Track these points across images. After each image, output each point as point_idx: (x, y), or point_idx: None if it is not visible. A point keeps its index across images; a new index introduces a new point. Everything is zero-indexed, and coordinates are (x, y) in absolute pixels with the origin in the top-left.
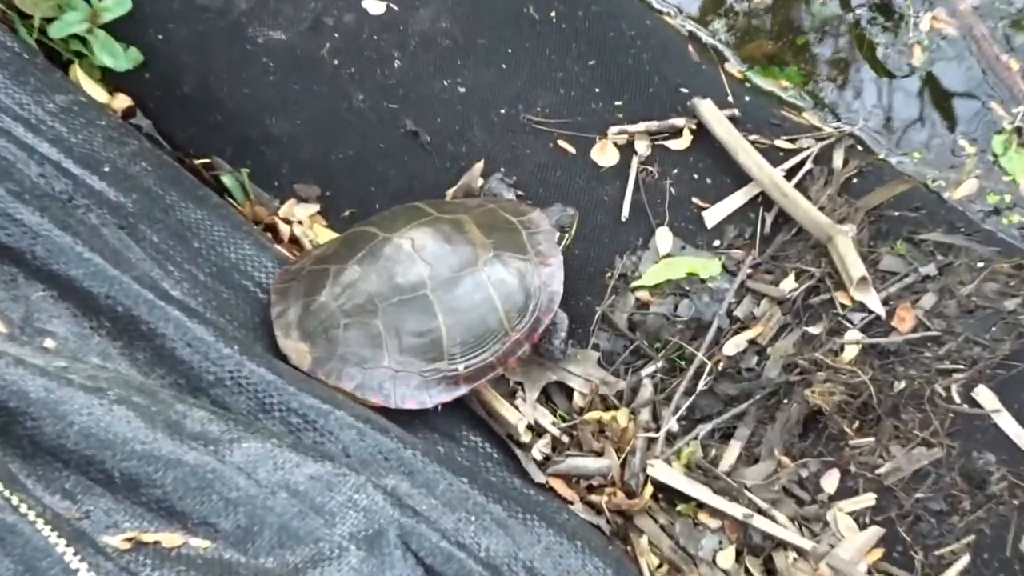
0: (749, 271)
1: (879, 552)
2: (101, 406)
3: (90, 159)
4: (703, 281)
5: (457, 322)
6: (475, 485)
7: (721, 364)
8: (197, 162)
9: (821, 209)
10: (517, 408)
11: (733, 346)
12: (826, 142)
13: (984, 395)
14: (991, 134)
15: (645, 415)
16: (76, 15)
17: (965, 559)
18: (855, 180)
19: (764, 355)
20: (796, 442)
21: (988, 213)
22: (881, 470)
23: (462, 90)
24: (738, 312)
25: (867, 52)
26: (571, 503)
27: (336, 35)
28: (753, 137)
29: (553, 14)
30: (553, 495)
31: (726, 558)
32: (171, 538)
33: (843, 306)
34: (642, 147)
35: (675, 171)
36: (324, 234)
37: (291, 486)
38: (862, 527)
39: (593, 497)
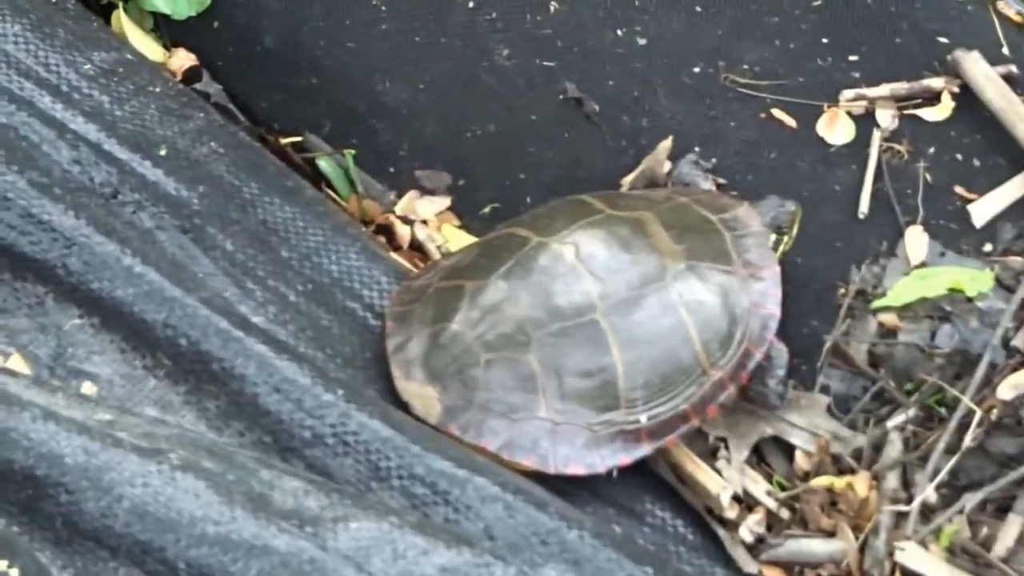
0: None
1: None
2: (160, 474)
3: (140, 139)
4: (970, 299)
5: (638, 357)
6: None
7: (995, 412)
8: (285, 141)
9: None
10: (719, 472)
11: (1011, 388)
12: None
13: None
14: None
15: (892, 481)
16: None
17: None
18: None
19: None
20: None
21: None
22: None
23: (642, 42)
24: (1018, 342)
25: None
26: None
27: None
28: None
29: None
30: None
31: None
32: None
33: None
34: (886, 118)
35: (931, 150)
36: (457, 238)
37: None
38: None
39: None
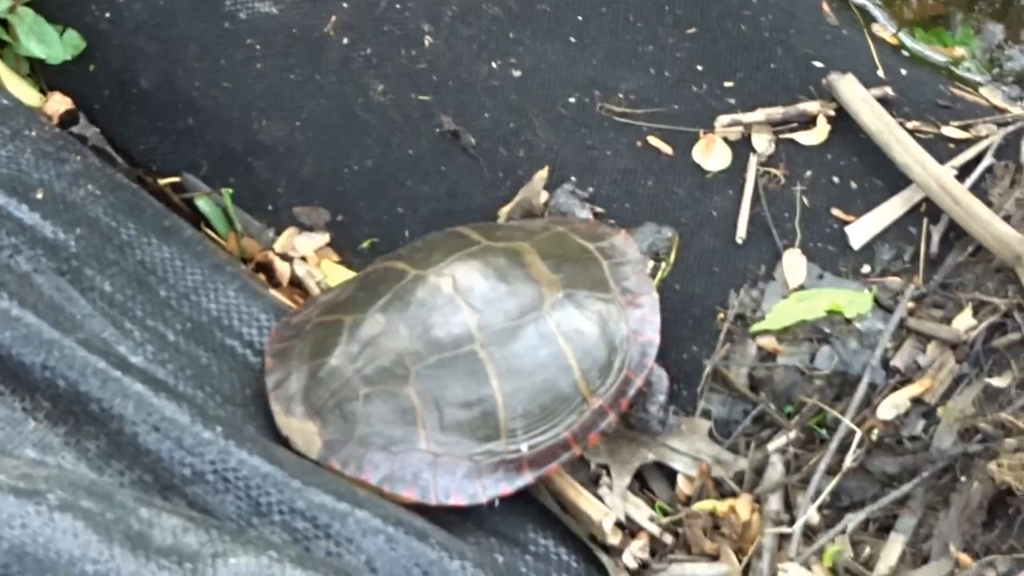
0: (911, 306)
1: None
2: (39, 515)
3: (16, 183)
4: (849, 321)
5: (517, 388)
6: None
7: (876, 432)
8: (163, 182)
9: (1007, 219)
10: (602, 499)
11: (891, 407)
12: (1012, 128)
13: None
14: None
15: (774, 503)
16: None
17: None
18: None
19: (933, 418)
20: (979, 534)
21: None
22: None
23: (517, 74)
24: (897, 362)
25: None
26: None
27: (344, 4)
28: (913, 124)
29: None
30: None
31: None
32: None
33: None
34: (762, 143)
35: (807, 174)
36: (336, 273)
37: None
38: None
39: None
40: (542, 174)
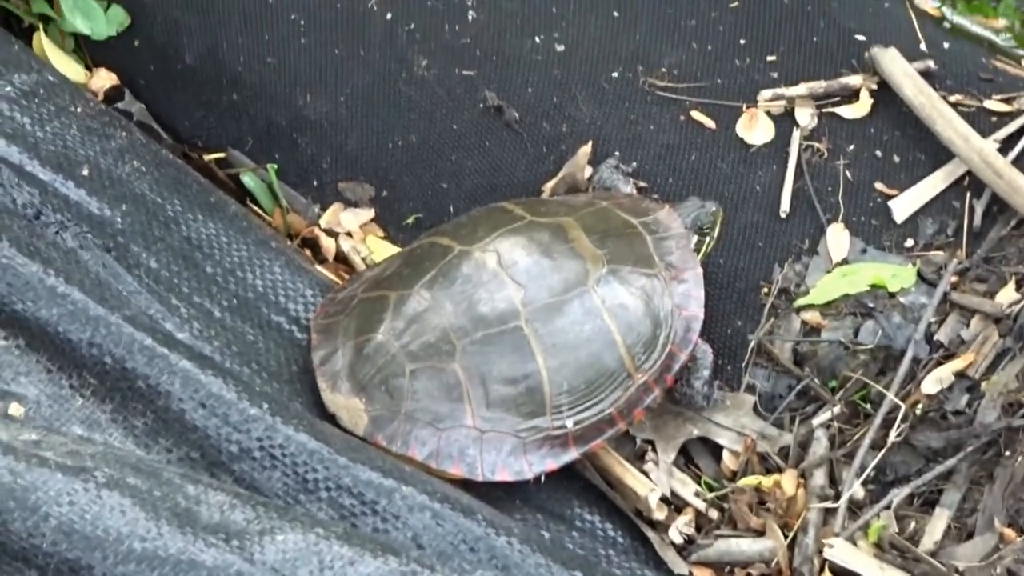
0: (954, 279)
1: None
2: (86, 492)
3: (63, 159)
4: (892, 295)
5: (562, 363)
6: None
7: (920, 407)
8: (208, 158)
9: None
10: (647, 475)
11: (935, 382)
12: None
13: None
14: None
15: (819, 479)
16: None
17: None
18: None
19: (977, 393)
20: (1023, 508)
21: None
22: None
23: (560, 48)
24: (941, 336)
25: None
26: None
27: None
28: (955, 98)
29: None
30: None
31: None
32: None
33: None
34: (805, 116)
35: (850, 148)
36: (381, 249)
37: None
38: None
39: None
40: (585, 149)
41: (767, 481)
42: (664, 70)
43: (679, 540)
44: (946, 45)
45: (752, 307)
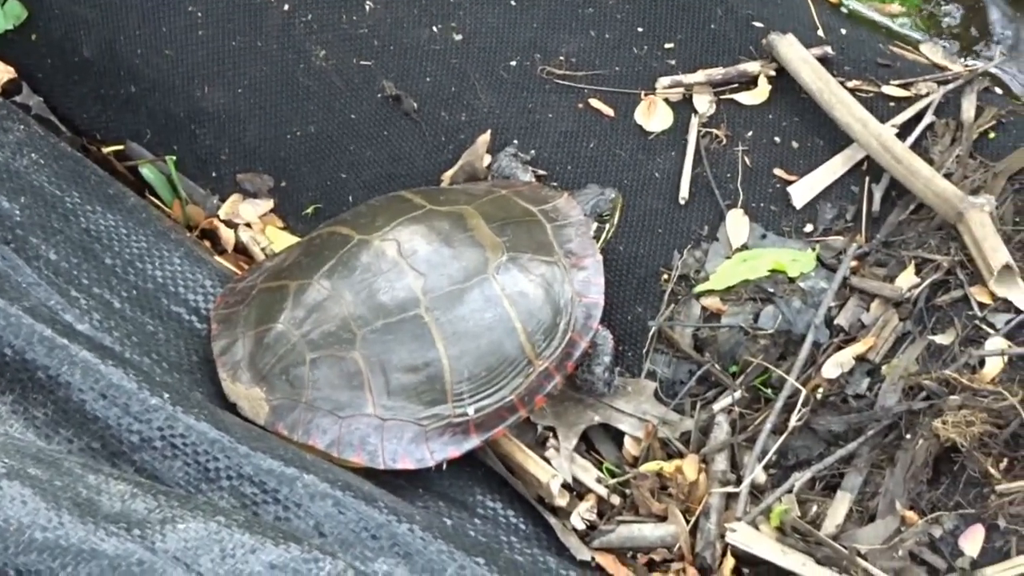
0: (854, 264)
1: None
2: None
3: None
4: (792, 280)
5: (463, 351)
6: (496, 568)
7: (820, 391)
8: (106, 150)
9: (947, 176)
10: (549, 462)
11: (836, 366)
12: (952, 86)
13: None
14: None
15: (721, 463)
16: None
17: None
18: (992, 135)
19: (878, 376)
20: (925, 491)
21: None
22: None
23: (458, 37)
24: (841, 320)
25: None
26: None
27: None
28: (853, 84)
29: None
30: None
31: None
32: None
33: (981, 305)
34: (703, 103)
35: (749, 134)
36: (281, 239)
37: None
38: None
39: None
40: (484, 138)
41: (669, 466)
42: (562, 58)
43: (581, 526)
44: (843, 31)
45: (652, 293)
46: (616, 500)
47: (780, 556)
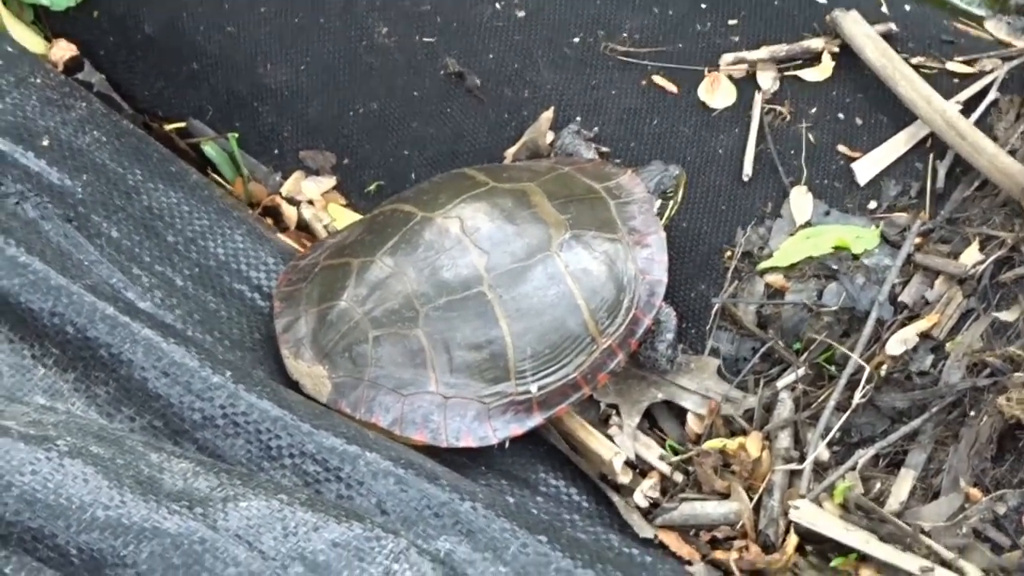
0: (918, 241)
1: None
2: (49, 461)
3: (22, 130)
4: (856, 257)
5: (526, 329)
6: (558, 545)
7: (884, 368)
8: (168, 127)
9: (1012, 153)
10: (612, 439)
11: (900, 343)
12: (1016, 62)
13: None
14: None
15: (784, 441)
16: None
17: None
18: None
19: (942, 353)
20: (989, 468)
21: None
22: None
23: (520, 14)
24: (905, 297)
25: None
26: (690, 563)
27: None
28: (917, 60)
29: None
30: (665, 553)
31: None
32: None
33: None
34: (767, 80)
35: (813, 111)
36: (343, 216)
37: (308, 557)
38: None
39: (719, 554)
40: (547, 114)
41: (732, 444)
42: (625, 35)
43: (644, 504)
44: (907, 8)
45: (716, 270)
46: (679, 477)
47: (843, 533)
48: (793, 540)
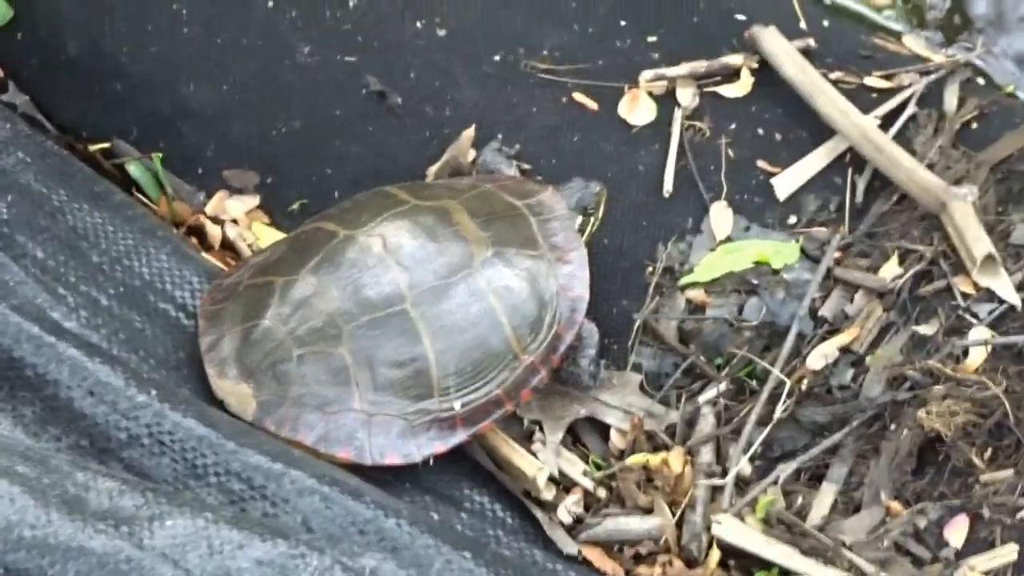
0: (837, 255)
1: None
2: None
3: None
4: (776, 272)
5: (449, 346)
6: (482, 562)
7: (805, 382)
8: (93, 148)
9: (930, 167)
10: (535, 455)
11: (820, 357)
12: (934, 76)
13: None
14: None
15: (706, 456)
16: None
17: None
18: (975, 126)
19: (862, 367)
20: (909, 481)
21: None
22: None
23: (442, 33)
24: (825, 311)
25: None
26: None
27: None
28: (836, 75)
29: None
30: (589, 569)
31: None
32: None
33: (964, 296)
34: (687, 96)
35: (732, 127)
36: (267, 235)
37: (233, 575)
38: None
39: (642, 569)
40: (469, 132)
41: (655, 459)
42: (546, 52)
43: (568, 520)
44: (826, 23)
45: (637, 286)
46: (602, 493)
47: (765, 548)
48: (716, 555)
